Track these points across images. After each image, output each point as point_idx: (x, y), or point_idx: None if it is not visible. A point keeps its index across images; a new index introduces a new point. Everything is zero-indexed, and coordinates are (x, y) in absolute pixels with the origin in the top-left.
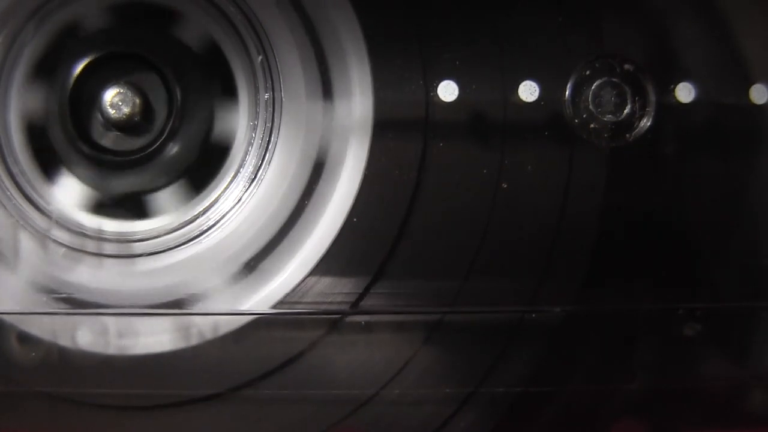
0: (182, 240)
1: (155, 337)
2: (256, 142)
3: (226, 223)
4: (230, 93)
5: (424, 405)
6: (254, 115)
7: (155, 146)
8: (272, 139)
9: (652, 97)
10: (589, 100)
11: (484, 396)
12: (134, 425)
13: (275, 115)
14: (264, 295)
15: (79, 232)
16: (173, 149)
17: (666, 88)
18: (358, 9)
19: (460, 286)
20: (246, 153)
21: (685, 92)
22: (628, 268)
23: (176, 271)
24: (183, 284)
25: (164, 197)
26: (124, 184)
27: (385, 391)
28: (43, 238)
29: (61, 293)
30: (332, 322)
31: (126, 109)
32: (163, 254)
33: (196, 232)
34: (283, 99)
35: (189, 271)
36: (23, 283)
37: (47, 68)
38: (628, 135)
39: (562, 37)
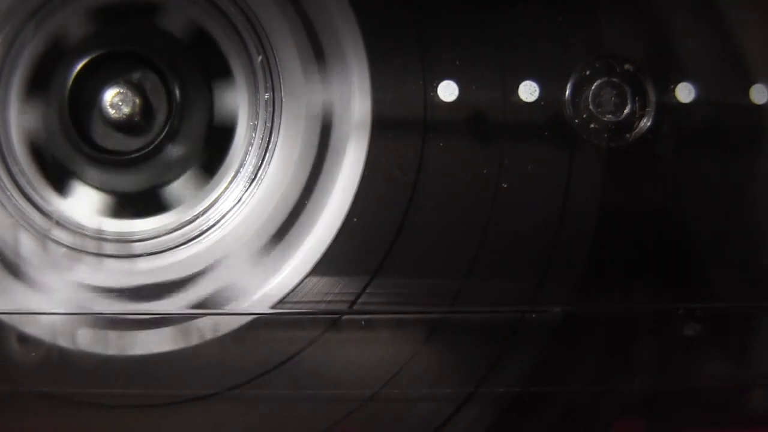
0: (182, 240)
1: (155, 337)
2: (256, 142)
3: (226, 223)
4: (230, 92)
5: (424, 404)
6: (254, 115)
7: (155, 144)
8: (272, 139)
9: (652, 97)
10: (589, 100)
11: (484, 396)
12: (134, 425)
13: (275, 115)
14: (263, 295)
15: (79, 232)
16: (174, 150)
17: (666, 88)
18: (357, 9)
19: (460, 286)
20: (246, 153)
21: (685, 92)
22: (628, 267)
23: (176, 271)
24: None
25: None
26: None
27: (384, 390)
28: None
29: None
30: (331, 321)
31: (126, 109)
32: (163, 254)
33: (196, 232)
34: (283, 99)
35: (189, 271)
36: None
37: (46, 69)
38: (628, 135)
39: (562, 37)
